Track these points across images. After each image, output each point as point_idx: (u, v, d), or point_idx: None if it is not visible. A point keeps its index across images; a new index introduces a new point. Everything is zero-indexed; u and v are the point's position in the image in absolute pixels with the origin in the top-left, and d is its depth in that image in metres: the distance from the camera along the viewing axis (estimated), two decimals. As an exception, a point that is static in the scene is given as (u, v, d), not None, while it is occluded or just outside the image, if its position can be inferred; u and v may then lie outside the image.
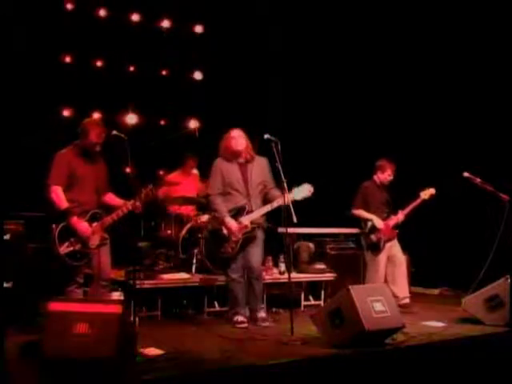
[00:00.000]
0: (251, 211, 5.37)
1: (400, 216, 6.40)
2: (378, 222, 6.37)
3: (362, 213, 6.47)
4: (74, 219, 4.80)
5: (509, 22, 7.03)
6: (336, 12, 8.07)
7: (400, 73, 8.03)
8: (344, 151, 8.57)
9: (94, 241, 4.87)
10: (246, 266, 5.44)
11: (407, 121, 8.03)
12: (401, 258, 6.45)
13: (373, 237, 6.39)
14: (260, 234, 5.46)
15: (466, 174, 6.20)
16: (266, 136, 5.37)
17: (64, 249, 4.75)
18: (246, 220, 5.35)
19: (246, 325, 5.34)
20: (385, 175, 6.51)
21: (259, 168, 5.47)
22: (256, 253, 5.43)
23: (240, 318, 5.40)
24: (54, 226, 4.76)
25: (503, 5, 7.00)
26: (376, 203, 6.48)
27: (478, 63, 7.41)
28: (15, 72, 6.74)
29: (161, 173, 7.13)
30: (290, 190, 5.21)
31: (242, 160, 5.45)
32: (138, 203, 4.93)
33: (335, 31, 8.20)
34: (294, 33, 8.29)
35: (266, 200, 5.46)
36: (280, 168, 5.22)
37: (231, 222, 5.34)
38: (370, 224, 6.40)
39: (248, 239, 5.40)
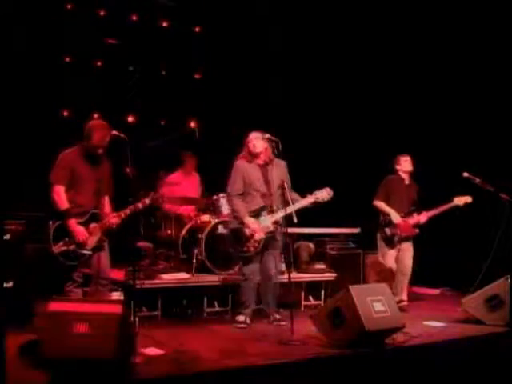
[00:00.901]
0: (273, 211, 5.38)
1: (422, 217, 6.37)
2: (395, 217, 6.34)
3: (382, 205, 6.43)
4: (72, 222, 4.81)
5: (509, 22, 7.03)
6: (337, 10, 8.05)
7: (401, 72, 8.03)
8: (345, 151, 8.57)
9: (91, 243, 4.88)
10: (264, 267, 5.47)
11: (408, 121, 8.03)
12: (408, 267, 6.44)
13: (387, 230, 6.38)
14: (280, 236, 5.47)
15: (465, 174, 6.20)
16: (267, 136, 5.42)
17: (58, 248, 4.78)
18: (268, 220, 5.37)
19: (245, 325, 5.35)
20: (402, 165, 6.50)
21: (278, 170, 5.50)
22: (275, 254, 5.47)
23: (241, 318, 5.41)
24: (50, 223, 4.79)
25: (503, 5, 7.00)
26: (398, 198, 6.44)
27: (478, 63, 7.41)
28: (15, 72, 6.73)
29: (161, 173, 7.13)
30: (311, 193, 5.36)
31: (261, 162, 5.48)
32: (143, 204, 4.96)
33: (337, 30, 8.18)
34: (294, 33, 8.27)
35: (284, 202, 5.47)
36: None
37: (252, 222, 5.35)
38: (387, 218, 6.38)
39: (269, 240, 5.42)
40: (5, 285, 5.00)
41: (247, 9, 8.04)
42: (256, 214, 5.42)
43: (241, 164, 5.51)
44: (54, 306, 3.75)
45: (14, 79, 6.64)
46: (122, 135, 4.83)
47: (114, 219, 4.94)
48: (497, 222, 5.96)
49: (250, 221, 5.35)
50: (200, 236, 6.40)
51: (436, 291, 7.76)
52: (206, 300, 6.00)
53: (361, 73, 8.39)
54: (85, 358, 3.56)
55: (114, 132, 4.86)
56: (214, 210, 6.75)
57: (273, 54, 8.46)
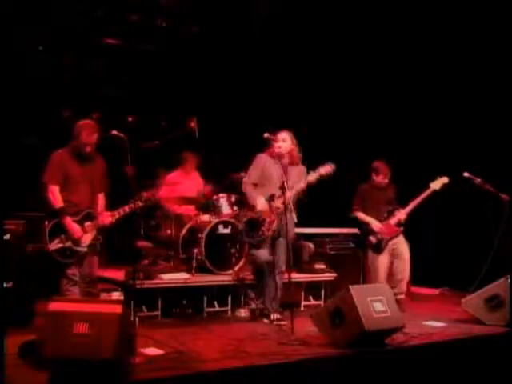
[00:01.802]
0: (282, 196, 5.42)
1: (401, 214, 6.41)
2: (375, 225, 6.44)
3: (360, 215, 6.55)
4: (67, 219, 4.86)
5: (509, 21, 7.03)
6: (337, 11, 8.05)
7: (402, 72, 8.03)
8: (345, 151, 8.56)
9: (86, 240, 4.93)
10: (274, 259, 5.56)
11: (409, 120, 8.02)
12: (405, 255, 6.46)
13: (372, 238, 6.45)
14: (291, 227, 5.45)
15: (465, 174, 6.21)
16: (266, 135, 5.43)
17: (54, 245, 4.81)
18: (278, 202, 5.43)
19: (285, 322, 5.33)
20: (379, 178, 6.57)
21: (297, 172, 5.59)
22: (283, 249, 5.51)
23: (277, 316, 5.51)
24: (46, 222, 4.84)
25: (503, 5, 7.00)
26: (374, 204, 6.52)
27: (478, 63, 7.41)
28: (15, 72, 6.73)
29: (161, 172, 7.12)
30: (314, 170, 5.48)
31: (284, 161, 5.52)
32: (137, 205, 4.98)
33: (333, 31, 8.18)
34: (294, 32, 8.27)
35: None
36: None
37: (262, 200, 5.48)
38: (368, 226, 6.47)
39: (281, 229, 5.45)
40: (5, 285, 5.01)
41: (247, 9, 8.04)
42: (267, 200, 5.54)
43: (263, 157, 5.65)
44: (54, 306, 3.75)
45: (14, 79, 6.64)
46: (122, 135, 4.85)
47: (107, 219, 5.00)
48: (497, 222, 5.96)
49: (260, 199, 5.49)
50: (200, 236, 6.39)
51: (436, 291, 7.76)
52: (205, 300, 6.00)
53: (362, 74, 8.39)
54: (85, 357, 3.56)
55: (114, 132, 4.88)
56: (214, 209, 6.75)
57: (273, 54, 8.45)
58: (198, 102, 8.31)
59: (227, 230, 6.53)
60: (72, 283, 4.93)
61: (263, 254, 5.58)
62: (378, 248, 6.42)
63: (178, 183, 7.11)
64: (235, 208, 6.77)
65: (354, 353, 4.38)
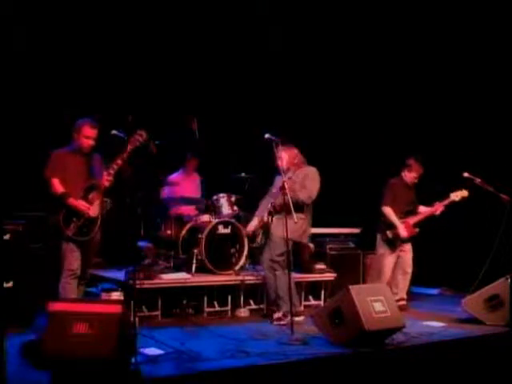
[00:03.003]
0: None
1: (437, 208, 6.42)
2: (402, 231, 6.35)
3: (389, 211, 6.41)
4: (71, 199, 4.99)
5: (509, 22, 7.04)
6: (338, 11, 8.05)
7: (403, 73, 8.03)
8: (345, 152, 8.56)
9: (95, 210, 5.06)
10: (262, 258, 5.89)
11: (408, 121, 8.02)
12: (411, 266, 6.49)
13: (389, 233, 6.42)
14: (291, 229, 5.44)
15: (465, 174, 6.21)
16: (267, 136, 5.42)
17: (71, 230, 4.95)
18: (264, 216, 5.88)
19: (285, 322, 5.37)
20: (411, 175, 6.49)
21: (296, 177, 5.71)
22: (268, 248, 5.74)
23: (277, 315, 5.59)
24: (57, 215, 4.94)
25: (503, 5, 7.00)
26: (401, 201, 6.46)
27: (479, 64, 7.42)
28: (15, 72, 6.73)
29: (162, 173, 7.12)
30: None
31: (290, 173, 5.72)
32: (128, 151, 5.01)
33: (341, 30, 8.18)
34: (294, 33, 8.27)
35: None
36: (281, 168, 5.38)
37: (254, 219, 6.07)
38: (387, 221, 6.41)
39: (266, 234, 5.83)
40: (5, 285, 5.02)
41: (247, 9, 8.04)
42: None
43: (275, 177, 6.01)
44: (54, 306, 3.75)
45: (14, 79, 6.64)
46: (122, 135, 4.86)
47: (106, 180, 5.05)
48: (497, 222, 5.96)
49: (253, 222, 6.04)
50: (200, 236, 6.40)
51: (436, 291, 7.77)
52: (205, 300, 6.00)
53: (363, 75, 8.38)
54: (85, 357, 3.57)
55: (114, 132, 4.90)
56: (214, 209, 6.75)
57: (273, 54, 8.44)
58: (198, 102, 8.31)
59: (227, 230, 6.53)
60: (73, 276, 4.99)
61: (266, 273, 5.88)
62: (393, 244, 6.40)
63: (178, 184, 7.12)
64: (235, 208, 6.77)
65: (353, 353, 4.38)
